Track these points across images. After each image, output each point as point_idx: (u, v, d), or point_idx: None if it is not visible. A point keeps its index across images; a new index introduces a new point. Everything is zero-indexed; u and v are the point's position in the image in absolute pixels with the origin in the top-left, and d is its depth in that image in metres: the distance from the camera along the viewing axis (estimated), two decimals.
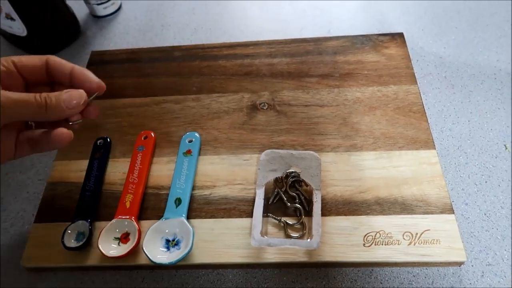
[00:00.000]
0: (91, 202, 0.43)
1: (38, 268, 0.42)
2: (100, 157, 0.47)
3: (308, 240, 0.37)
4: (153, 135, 0.48)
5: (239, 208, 0.42)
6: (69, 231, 0.41)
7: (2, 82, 0.34)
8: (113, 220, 0.41)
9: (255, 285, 0.39)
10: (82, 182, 0.45)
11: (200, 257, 0.39)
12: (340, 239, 0.38)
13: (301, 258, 0.38)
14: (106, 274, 0.42)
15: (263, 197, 0.40)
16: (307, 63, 0.54)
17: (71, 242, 0.40)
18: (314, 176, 0.41)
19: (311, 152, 0.43)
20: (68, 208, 0.43)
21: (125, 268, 0.41)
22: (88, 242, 0.40)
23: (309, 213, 0.40)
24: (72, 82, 0.37)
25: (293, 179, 0.42)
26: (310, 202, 0.41)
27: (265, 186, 0.41)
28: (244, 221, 0.41)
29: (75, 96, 0.35)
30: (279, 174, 0.42)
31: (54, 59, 0.37)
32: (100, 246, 0.39)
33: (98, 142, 0.48)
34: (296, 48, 0.56)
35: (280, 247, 0.38)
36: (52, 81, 0.38)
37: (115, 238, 0.40)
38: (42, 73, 0.37)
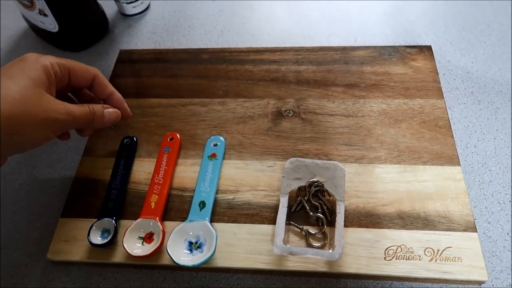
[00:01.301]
0: (117, 200, 0.44)
1: (62, 261, 0.43)
2: (126, 156, 0.48)
3: (330, 250, 0.38)
4: (178, 137, 0.49)
5: (262, 214, 0.42)
6: (95, 228, 0.42)
7: (56, 85, 0.39)
8: (138, 220, 0.42)
9: None
10: (108, 179, 0.46)
11: (222, 261, 0.40)
12: (361, 251, 0.39)
13: (322, 268, 0.38)
14: (128, 272, 0.42)
15: (286, 205, 0.41)
16: (334, 72, 0.54)
17: (97, 239, 0.41)
18: (338, 187, 0.41)
19: (336, 162, 0.43)
20: (94, 205, 0.45)
21: (147, 267, 0.42)
22: (113, 239, 0.41)
23: (331, 223, 0.41)
24: (107, 103, 0.44)
25: (316, 189, 0.42)
26: (332, 212, 0.41)
27: (288, 194, 0.42)
28: (266, 228, 0.41)
29: (115, 115, 0.43)
30: (303, 183, 0.42)
31: (100, 79, 0.42)
32: (125, 245, 0.40)
33: (125, 141, 0.49)
34: (323, 56, 0.56)
35: (301, 256, 0.38)
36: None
37: (139, 237, 0.41)
38: (85, 85, 0.42)
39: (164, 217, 0.43)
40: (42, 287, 0.43)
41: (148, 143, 0.50)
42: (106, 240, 0.41)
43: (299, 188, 0.43)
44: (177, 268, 0.42)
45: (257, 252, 0.40)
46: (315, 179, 0.42)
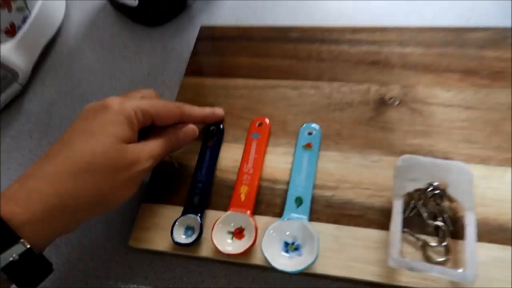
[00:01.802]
0: (202, 195, 0.40)
1: (144, 250, 0.40)
2: (213, 145, 0.44)
3: (460, 270, 0.31)
4: (267, 122, 0.44)
5: (367, 216, 0.37)
6: (178, 224, 0.38)
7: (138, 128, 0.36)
8: (228, 212, 0.38)
9: None
10: (193, 165, 0.43)
11: (323, 267, 0.35)
12: (497, 274, 0.32)
13: (443, 286, 0.32)
14: (214, 267, 0.39)
15: (401, 210, 0.35)
16: (447, 55, 0.46)
17: (180, 237, 0.38)
18: (465, 193, 0.35)
19: (461, 163, 0.36)
20: (178, 191, 0.41)
21: (234, 264, 0.38)
22: (198, 239, 0.37)
23: (454, 235, 0.34)
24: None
25: (436, 193, 0.36)
26: (455, 222, 0.35)
27: (403, 198, 0.36)
28: (373, 233, 0.36)
29: (192, 132, 0.41)
30: (420, 185, 0.36)
31: (186, 114, 0.40)
32: (214, 241, 0.36)
33: (211, 128, 0.45)
34: (432, 38, 0.48)
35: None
36: None
37: (228, 232, 0.37)
38: (172, 123, 0.39)
39: (254, 211, 0.39)
40: (122, 273, 0.40)
41: (234, 128, 0.45)
42: (190, 240, 0.37)
43: (416, 191, 0.36)
44: (268, 268, 0.37)
45: (364, 261, 0.35)
46: (434, 182, 0.36)
